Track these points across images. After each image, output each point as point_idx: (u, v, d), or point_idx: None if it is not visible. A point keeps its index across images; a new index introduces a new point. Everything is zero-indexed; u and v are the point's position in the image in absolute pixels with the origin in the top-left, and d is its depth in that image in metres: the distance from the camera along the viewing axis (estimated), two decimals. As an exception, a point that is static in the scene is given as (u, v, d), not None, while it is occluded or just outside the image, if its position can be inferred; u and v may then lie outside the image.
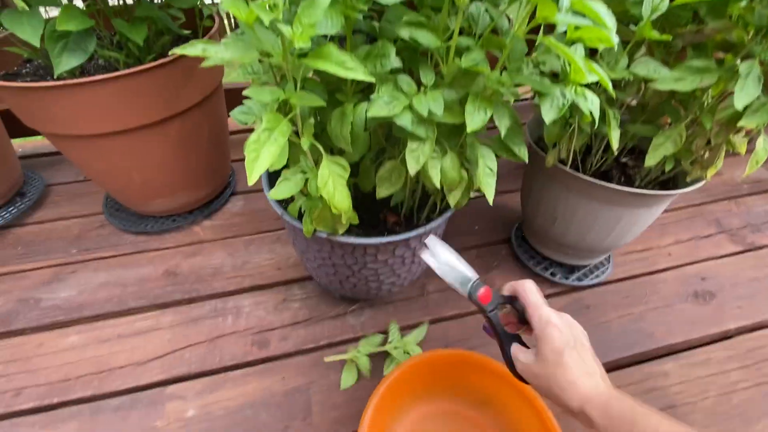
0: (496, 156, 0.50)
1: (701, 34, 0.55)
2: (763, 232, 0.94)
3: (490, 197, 0.48)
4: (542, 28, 0.46)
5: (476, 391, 0.60)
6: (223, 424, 0.61)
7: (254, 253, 0.87)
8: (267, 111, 0.42)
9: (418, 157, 0.47)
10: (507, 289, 0.47)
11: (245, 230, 0.92)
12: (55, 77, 0.64)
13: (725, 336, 0.75)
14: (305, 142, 0.46)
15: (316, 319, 0.74)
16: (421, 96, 0.44)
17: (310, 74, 0.50)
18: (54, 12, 0.64)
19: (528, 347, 0.44)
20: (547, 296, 0.79)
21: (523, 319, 0.45)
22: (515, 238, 0.90)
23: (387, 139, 0.57)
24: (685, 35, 0.55)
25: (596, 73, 0.40)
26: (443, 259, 0.48)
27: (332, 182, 0.46)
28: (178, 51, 0.37)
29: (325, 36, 0.48)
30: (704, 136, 0.59)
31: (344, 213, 0.48)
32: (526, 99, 1.36)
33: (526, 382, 0.44)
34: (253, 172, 0.37)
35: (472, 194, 0.56)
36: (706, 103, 0.57)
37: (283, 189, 0.49)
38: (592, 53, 0.50)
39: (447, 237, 0.92)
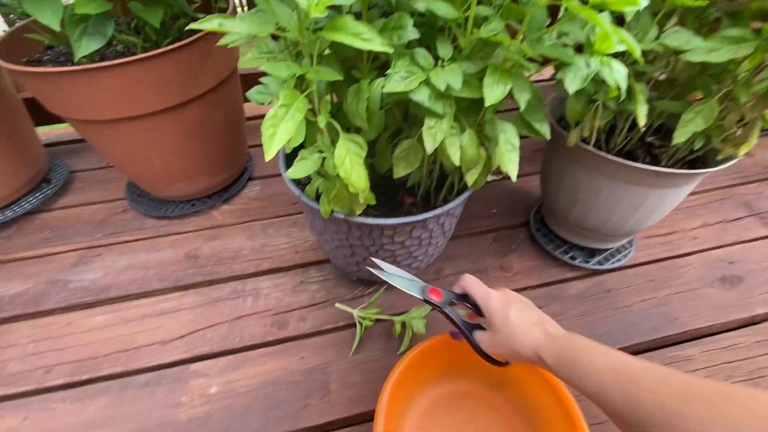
0: (517, 134, 0.49)
1: (737, 2, 0.52)
2: (797, 215, 0.90)
3: (514, 174, 0.47)
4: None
5: (493, 373, 0.60)
6: (244, 401, 0.63)
7: (272, 237, 0.88)
8: (284, 88, 0.41)
9: (435, 134, 0.46)
10: (456, 288, 0.51)
11: (263, 214, 0.93)
12: (75, 62, 0.65)
13: (752, 321, 0.72)
14: (322, 120, 0.45)
15: (334, 301, 0.75)
16: (438, 70, 0.43)
17: (326, 52, 0.50)
18: (72, -2, 0.64)
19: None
20: (566, 280, 0.79)
21: (479, 311, 0.48)
22: (534, 221, 0.88)
23: (405, 119, 0.56)
24: (719, 3, 0.53)
25: (624, 40, 0.38)
26: (393, 270, 0.53)
27: (349, 160, 0.45)
28: (195, 26, 0.37)
29: (340, 11, 0.47)
30: (738, 111, 0.56)
31: (361, 192, 0.47)
32: (545, 80, 1.32)
33: (496, 362, 0.48)
34: (271, 148, 0.37)
35: (490, 177, 0.55)
36: (740, 76, 0.54)
37: (301, 168, 0.49)
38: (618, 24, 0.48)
39: (463, 221, 0.91)
